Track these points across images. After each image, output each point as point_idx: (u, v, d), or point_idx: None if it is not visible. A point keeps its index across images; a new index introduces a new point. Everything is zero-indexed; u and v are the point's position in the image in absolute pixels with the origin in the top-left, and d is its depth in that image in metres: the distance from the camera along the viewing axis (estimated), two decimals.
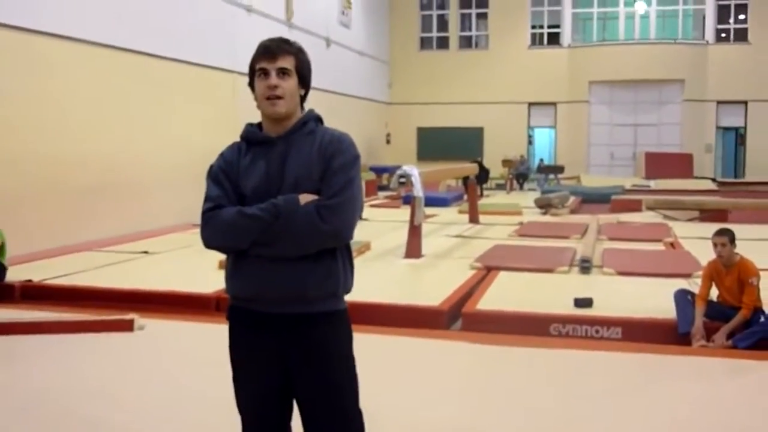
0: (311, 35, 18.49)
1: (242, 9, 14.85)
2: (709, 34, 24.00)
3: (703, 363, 4.66)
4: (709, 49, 23.75)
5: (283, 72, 2.23)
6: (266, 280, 2.19)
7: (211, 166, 2.34)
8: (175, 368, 4.60)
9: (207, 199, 2.28)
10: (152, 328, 5.48)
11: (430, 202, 12.74)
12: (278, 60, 2.23)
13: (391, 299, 6.11)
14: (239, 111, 13.19)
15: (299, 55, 2.29)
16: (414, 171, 8.89)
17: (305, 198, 2.17)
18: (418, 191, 8.77)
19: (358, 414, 2.30)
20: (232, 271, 2.27)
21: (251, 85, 2.30)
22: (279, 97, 2.23)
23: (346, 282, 2.30)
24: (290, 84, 2.25)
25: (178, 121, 12.52)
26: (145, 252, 8.80)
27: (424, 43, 26.31)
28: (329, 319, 2.25)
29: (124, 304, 6.10)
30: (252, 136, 2.33)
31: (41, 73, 9.57)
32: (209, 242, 2.26)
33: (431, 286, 6.91)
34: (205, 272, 7.13)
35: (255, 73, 2.27)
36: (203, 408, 3.84)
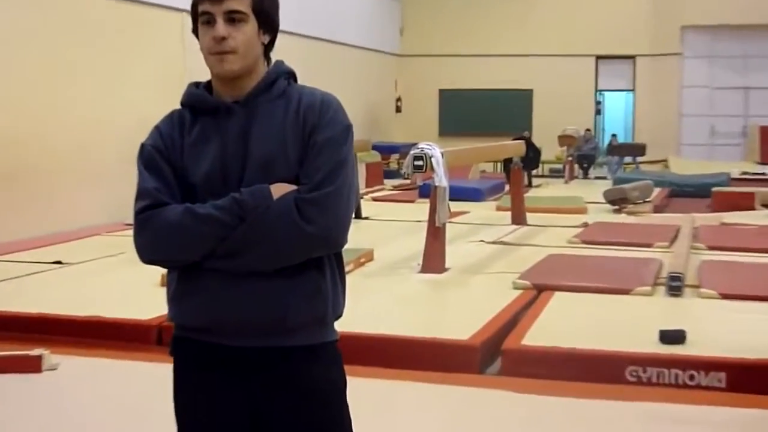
0: None
1: None
2: None
3: None
4: None
5: (233, 17, 2.23)
6: (228, 303, 2.20)
7: (143, 146, 2.34)
8: (98, 424, 4.60)
9: (140, 194, 2.28)
10: (68, 367, 5.48)
11: (458, 194, 12.71)
12: (226, 0, 2.22)
13: (403, 330, 6.10)
14: (190, 65, 13.18)
15: None
16: (435, 151, 8.87)
17: (279, 189, 2.18)
18: (442, 179, 8.76)
19: None
20: (178, 291, 2.28)
21: (195, 32, 2.31)
22: (230, 52, 2.23)
23: (336, 305, 2.31)
24: (246, 31, 2.25)
25: (101, 83, 12.54)
26: (58, 262, 8.81)
27: None
28: (314, 354, 2.26)
29: (30, 335, 6.09)
30: (199, 102, 2.33)
31: None
32: (146, 254, 2.27)
33: (458, 312, 6.89)
34: (142, 290, 7.12)
35: (198, 17, 2.27)
36: None
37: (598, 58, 25.25)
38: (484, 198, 15.78)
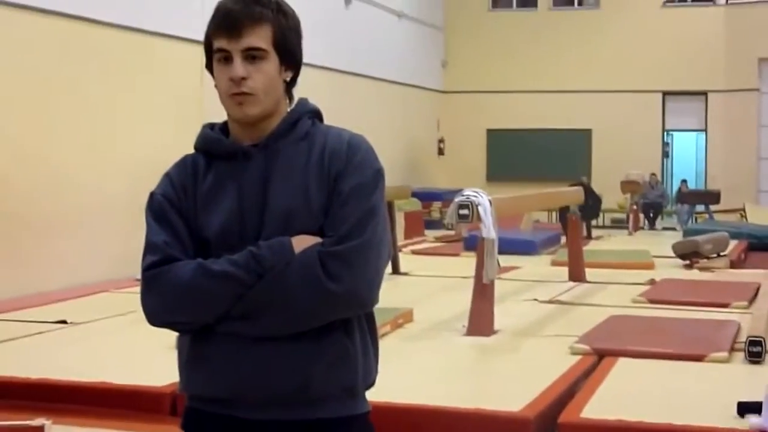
0: None
1: None
2: None
3: None
4: None
5: (252, 54, 2.24)
6: (244, 371, 2.20)
7: (152, 195, 2.37)
8: None
9: (148, 248, 2.30)
10: None
11: (508, 246, 12.69)
12: (244, 36, 2.23)
13: (445, 401, 6.07)
14: (208, 103, 13.30)
15: (278, 18, 2.29)
16: (482, 198, 8.88)
17: (301, 242, 2.18)
18: (490, 230, 8.76)
19: None
20: (190, 357, 2.29)
21: (210, 67, 2.32)
22: (249, 94, 2.24)
23: (367, 372, 2.31)
24: (266, 71, 2.26)
25: (112, 121, 12.69)
26: (63, 322, 8.86)
27: None
28: (342, 429, 2.25)
29: (31, 403, 6.12)
30: (214, 147, 2.34)
31: None
32: (155, 316, 2.29)
33: (509, 380, 6.85)
34: (154, 354, 7.15)
35: (213, 53, 2.29)
36: None
37: (666, 94, 25.24)
38: (538, 251, 15.75)
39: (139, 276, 9.15)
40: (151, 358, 6.98)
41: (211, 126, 2.38)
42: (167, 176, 2.35)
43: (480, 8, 26.14)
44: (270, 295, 2.14)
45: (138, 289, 8.65)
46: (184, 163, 2.37)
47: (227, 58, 2.24)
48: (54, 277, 11.21)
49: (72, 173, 11.89)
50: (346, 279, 2.14)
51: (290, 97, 2.37)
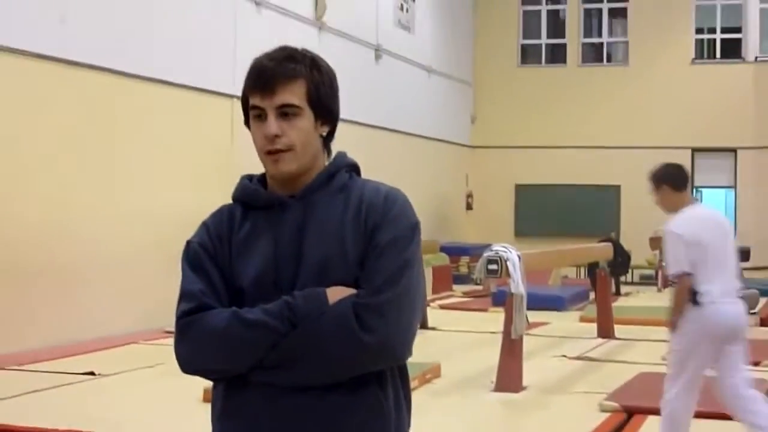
0: (353, 41, 18.84)
1: (249, 2, 15.24)
2: None
3: None
4: None
5: (286, 111, 2.24)
6: (276, 423, 2.19)
7: (188, 244, 2.35)
8: None
9: (183, 296, 2.29)
10: None
11: (537, 302, 12.64)
12: (278, 93, 2.23)
13: None
14: (238, 153, 13.38)
15: (312, 74, 2.28)
16: (512, 254, 8.87)
17: (336, 293, 2.16)
18: (518, 285, 8.74)
19: None
20: (224, 408, 2.27)
21: (247, 124, 2.32)
22: (284, 150, 2.24)
23: (400, 426, 2.28)
24: (300, 127, 2.25)
25: (146, 172, 12.76)
26: (91, 373, 8.88)
27: (528, 55, 26.62)
28: None
29: None
30: (252, 198, 2.34)
31: None
32: (189, 363, 2.27)
33: None
34: (183, 407, 7.14)
35: (249, 109, 2.29)
36: None
37: (695, 150, 25.14)
38: (567, 307, 15.70)
39: (168, 328, 9.22)
40: (180, 412, 6.98)
41: (249, 177, 2.38)
42: (204, 225, 2.35)
43: (509, 64, 26.19)
44: (304, 344, 2.12)
45: (166, 341, 8.72)
46: (220, 213, 2.36)
47: (261, 116, 2.25)
48: (84, 328, 11.21)
49: (102, 225, 11.93)
50: (380, 331, 2.12)
51: (329, 152, 2.36)
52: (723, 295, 6.06)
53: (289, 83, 2.24)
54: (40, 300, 10.89)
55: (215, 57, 13.93)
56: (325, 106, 2.29)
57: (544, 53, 26.57)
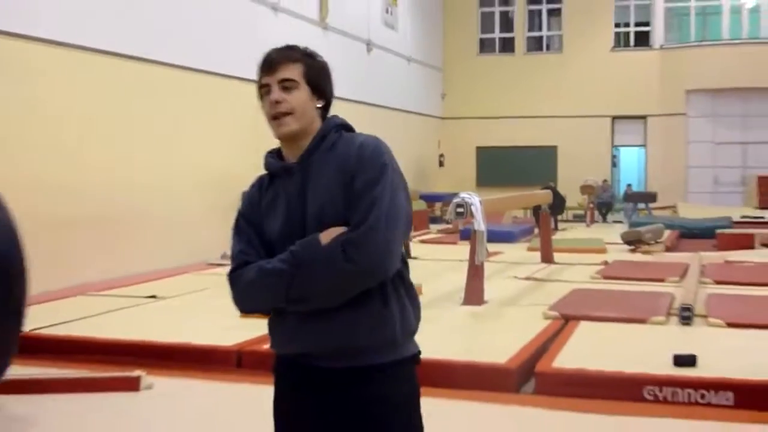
0: (350, 38, 18.73)
1: (268, 8, 15.13)
2: None
3: None
4: None
5: (286, 85, 2.23)
6: (308, 336, 2.21)
7: (237, 211, 2.37)
8: None
9: (231, 258, 2.32)
10: (162, 387, 5.52)
11: (494, 236, 12.68)
12: (279, 70, 2.23)
13: (447, 355, 6.05)
14: (262, 128, 13.34)
15: (308, 60, 2.28)
16: (474, 199, 8.86)
17: (329, 234, 2.15)
18: (480, 224, 8.74)
19: None
20: (272, 326, 2.31)
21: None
22: (285, 114, 2.23)
23: (405, 324, 2.27)
24: (298, 96, 2.24)
25: (190, 141, 12.75)
26: (153, 297, 8.90)
27: (485, 46, 26.46)
28: (387, 372, 2.23)
29: (129, 359, 6.14)
30: (269, 167, 2.34)
31: (25, 84, 9.71)
32: (241, 307, 2.31)
33: (496, 339, 6.84)
34: (224, 321, 7.16)
35: (261, 89, 2.29)
36: None
37: (614, 118, 25.14)
38: (517, 240, 15.74)
39: (210, 261, 9.21)
40: (222, 325, 7.00)
41: (271, 152, 2.37)
42: (244, 195, 2.37)
43: (471, 53, 26.07)
44: (307, 282, 2.13)
45: (209, 271, 8.70)
46: (255, 184, 2.38)
47: (268, 90, 2.24)
48: (145, 262, 11.25)
49: (158, 183, 11.98)
50: (359, 260, 2.10)
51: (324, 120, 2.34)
52: None
53: (289, 64, 2.24)
54: (112, 240, 10.91)
55: (241, 49, 13.83)
56: (317, 83, 2.28)
57: (498, 44, 26.42)
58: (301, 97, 2.24)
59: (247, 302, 2.27)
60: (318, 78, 2.28)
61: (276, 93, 2.22)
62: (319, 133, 2.28)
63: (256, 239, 2.28)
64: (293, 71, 2.23)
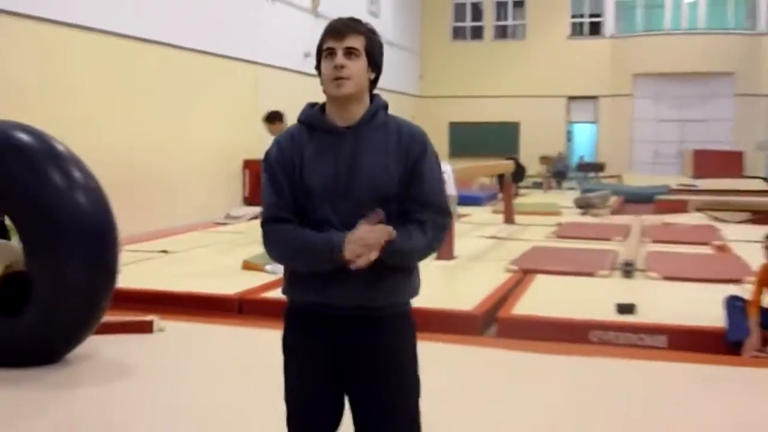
0: None
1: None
2: (763, 24, 23.65)
3: (756, 374, 4.60)
4: (763, 40, 23.42)
5: (350, 52, 2.17)
6: (330, 291, 2.17)
7: (267, 155, 2.26)
8: (197, 371, 4.64)
9: (264, 205, 2.22)
10: (172, 330, 5.53)
11: (463, 200, 12.70)
12: (346, 39, 2.17)
13: (423, 303, 6.08)
14: (260, 104, 13.28)
15: (370, 35, 2.23)
16: (446, 168, 8.87)
17: (375, 227, 2.09)
18: (451, 189, 8.76)
19: (418, 424, 2.35)
20: (292, 279, 2.25)
21: (318, 68, 2.23)
22: (346, 78, 2.16)
23: (418, 282, 2.34)
24: (358, 65, 2.18)
25: (197, 115, 12.67)
26: (164, 251, 8.88)
27: (457, 33, 26.28)
28: (396, 318, 2.27)
29: (143, 305, 6.14)
30: (317, 122, 2.24)
31: (55, 64, 9.75)
32: (273, 259, 2.27)
33: (464, 289, 6.89)
34: (227, 273, 7.18)
35: (322, 53, 2.21)
36: (226, 413, 3.87)
37: (570, 98, 25.13)
38: (483, 204, 15.75)
39: (217, 220, 9.15)
40: (225, 276, 7.02)
41: (312, 105, 2.28)
42: (277, 142, 2.26)
43: (445, 39, 25.90)
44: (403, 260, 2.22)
45: (215, 229, 8.63)
46: (289, 133, 2.27)
47: (332, 54, 2.18)
48: (157, 221, 11.21)
49: (173, 151, 11.95)
50: (443, 237, 2.26)
51: (371, 93, 2.29)
52: None
53: (355, 34, 2.19)
54: (128, 202, 10.84)
55: (241, 35, 13.72)
56: (375, 58, 2.24)
57: (469, 32, 26.24)
58: (360, 66, 2.19)
59: (285, 258, 2.21)
60: (376, 52, 2.24)
61: (340, 58, 2.16)
62: (371, 109, 2.24)
63: (289, 192, 2.19)
64: (358, 42, 2.18)
